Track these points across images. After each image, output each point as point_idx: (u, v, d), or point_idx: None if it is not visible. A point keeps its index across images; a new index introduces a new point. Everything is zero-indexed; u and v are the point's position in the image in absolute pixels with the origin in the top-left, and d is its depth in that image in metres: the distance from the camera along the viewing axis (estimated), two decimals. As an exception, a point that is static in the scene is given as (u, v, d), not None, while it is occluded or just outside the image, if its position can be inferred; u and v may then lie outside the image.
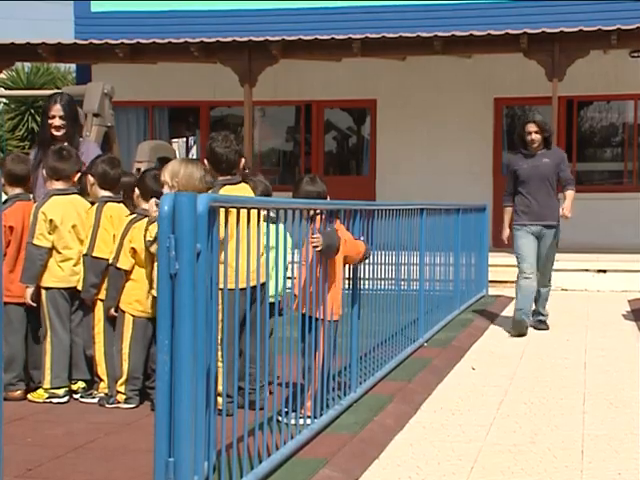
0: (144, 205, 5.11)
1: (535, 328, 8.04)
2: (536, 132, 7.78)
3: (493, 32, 11.98)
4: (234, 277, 3.40)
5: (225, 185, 4.81)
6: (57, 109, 6.09)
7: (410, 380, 5.62)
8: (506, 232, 8.10)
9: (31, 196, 5.67)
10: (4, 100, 22.96)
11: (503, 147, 14.62)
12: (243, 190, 4.87)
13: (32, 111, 23.14)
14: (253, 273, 3.85)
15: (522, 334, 7.70)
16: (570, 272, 11.19)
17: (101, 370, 5.22)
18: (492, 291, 10.46)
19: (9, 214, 5.28)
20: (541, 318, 8.16)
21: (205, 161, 4.91)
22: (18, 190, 5.43)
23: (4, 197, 5.33)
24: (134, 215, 5.17)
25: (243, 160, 5.05)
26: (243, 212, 3.37)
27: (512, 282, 8.55)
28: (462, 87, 14.32)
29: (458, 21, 13.48)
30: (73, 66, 18.64)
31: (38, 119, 23.21)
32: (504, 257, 10.65)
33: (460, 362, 6.58)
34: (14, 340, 5.24)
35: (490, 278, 10.60)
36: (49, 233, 5.24)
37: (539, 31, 11.85)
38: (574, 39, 11.90)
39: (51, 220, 5.23)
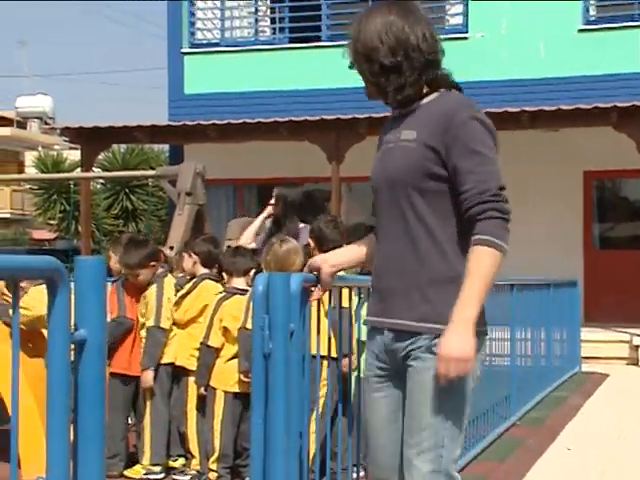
0: (234, 282, 5.20)
1: None
2: None
3: (582, 106, 11.94)
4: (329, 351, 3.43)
5: None
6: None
7: (503, 460, 5.51)
8: None
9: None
10: (101, 180, 23.76)
11: (594, 220, 14.41)
12: None
13: (127, 190, 23.89)
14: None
15: None
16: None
17: (193, 447, 5.27)
18: (585, 367, 10.21)
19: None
20: None
21: (310, 240, 4.94)
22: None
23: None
24: (224, 293, 5.27)
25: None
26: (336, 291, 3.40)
27: (606, 358, 8.34)
28: (550, 160, 14.24)
29: (545, 95, 13.48)
30: (166, 146, 19.24)
31: (133, 198, 23.96)
32: (597, 332, 10.42)
33: (555, 442, 6.42)
34: (116, 417, 5.31)
35: (583, 354, 10.36)
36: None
37: (629, 104, 11.75)
38: (665, 111, 11.76)
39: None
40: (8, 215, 39.49)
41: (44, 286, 1.78)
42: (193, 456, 5.28)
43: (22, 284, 5.99)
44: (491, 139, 2.59)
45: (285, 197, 6.50)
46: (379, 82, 2.61)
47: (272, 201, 6.52)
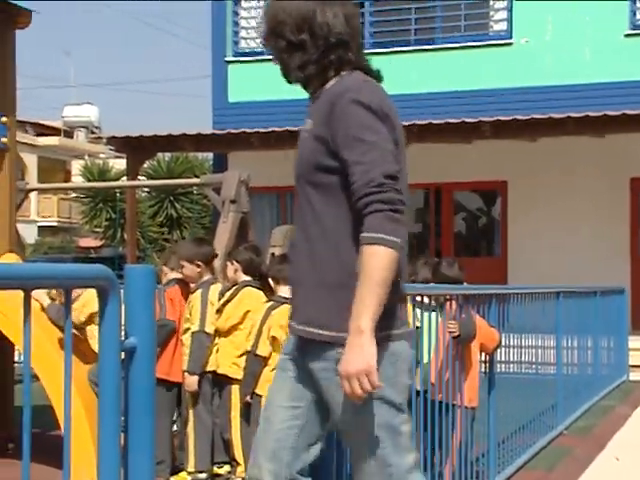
0: (281, 291, 5.21)
1: None
2: None
3: (628, 112, 11.80)
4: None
5: None
6: None
7: (550, 470, 5.45)
8: None
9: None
10: (146, 188, 23.99)
11: (640, 227, 14.24)
12: None
13: (171, 198, 24.10)
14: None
15: None
16: None
17: (238, 454, 5.29)
18: (633, 376, 10.07)
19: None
20: None
21: None
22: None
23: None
24: (272, 302, 5.28)
25: None
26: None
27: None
28: (596, 167, 14.09)
29: (591, 101, 13.35)
30: (210, 154, 19.38)
31: (177, 206, 24.18)
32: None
33: (602, 452, 6.34)
34: (161, 424, 5.33)
35: (630, 362, 10.22)
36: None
37: (676, 109, 11.60)
38: None
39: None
40: (55, 223, 40.05)
41: None
42: (238, 463, 5.29)
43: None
44: (378, 121, 2.34)
45: None
46: (283, 58, 2.49)
47: None
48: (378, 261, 2.24)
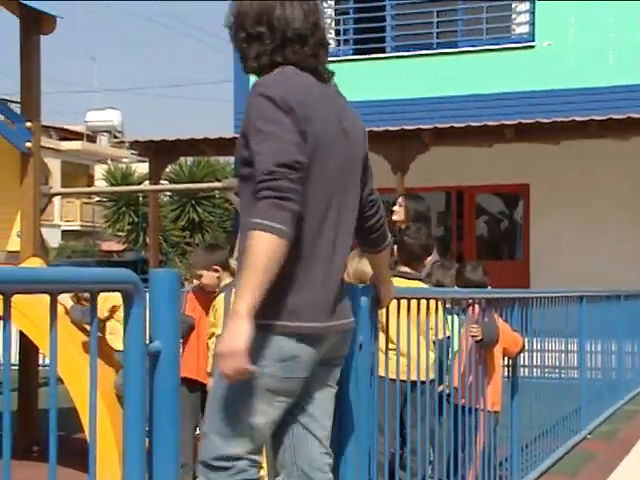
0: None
1: None
2: None
3: (651, 114, 11.73)
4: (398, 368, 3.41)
5: (395, 277, 4.70)
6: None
7: (574, 475, 5.42)
8: None
9: None
10: (168, 192, 24.09)
11: (665, 230, 14.12)
12: (418, 287, 4.58)
13: (194, 202, 24.18)
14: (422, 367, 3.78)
15: None
16: None
17: (261, 457, 5.28)
18: (658, 381, 9.98)
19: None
20: None
21: (395, 248, 4.83)
22: None
23: None
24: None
25: (429, 258, 4.91)
26: (403, 303, 3.39)
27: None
28: (618, 169, 14.01)
29: (614, 104, 13.27)
30: (232, 158, 19.43)
31: (199, 210, 24.25)
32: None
33: (627, 456, 6.29)
34: (185, 427, 5.30)
35: (656, 367, 10.14)
36: None
37: (700, 111, 11.51)
38: None
39: None
40: (78, 227, 40.30)
41: None
42: (261, 467, 5.29)
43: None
44: (279, 112, 2.37)
45: (414, 207, 6.32)
46: (243, 48, 2.56)
47: (396, 208, 6.28)
48: (258, 246, 2.25)
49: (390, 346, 3.38)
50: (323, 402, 2.63)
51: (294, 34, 2.52)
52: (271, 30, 2.52)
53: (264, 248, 2.24)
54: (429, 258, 4.97)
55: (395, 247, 4.74)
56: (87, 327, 5.30)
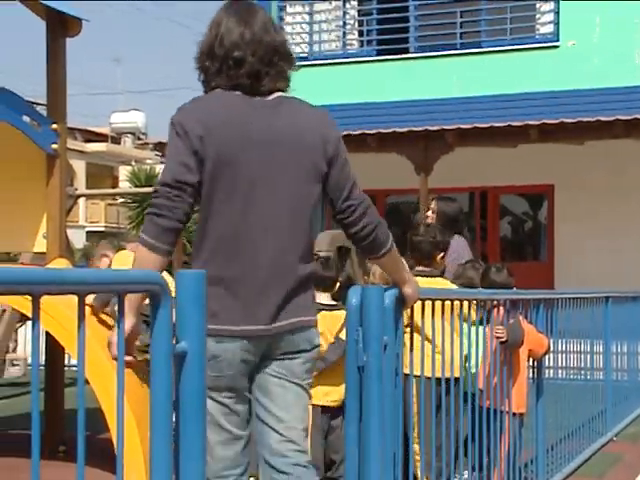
0: (322, 298, 5.17)
1: None
2: None
3: (678, 113, 11.63)
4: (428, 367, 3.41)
5: (417, 276, 4.65)
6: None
7: (601, 477, 5.39)
8: None
9: None
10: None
11: (691, 230, 13.99)
12: (437, 284, 4.61)
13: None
14: (447, 365, 3.78)
15: None
16: None
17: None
18: (685, 383, 9.89)
19: None
20: None
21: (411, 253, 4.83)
22: None
23: None
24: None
25: (442, 254, 4.90)
26: (428, 304, 3.39)
27: None
28: (645, 170, 13.90)
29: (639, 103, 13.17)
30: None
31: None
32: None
33: (653, 459, 6.25)
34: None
35: (682, 369, 10.05)
36: None
37: None
38: None
39: None
40: (103, 228, 40.52)
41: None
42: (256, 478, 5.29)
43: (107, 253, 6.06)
44: (174, 136, 2.62)
45: (443, 209, 6.29)
46: (203, 66, 2.76)
47: (429, 213, 6.29)
48: (136, 257, 2.55)
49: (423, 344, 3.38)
50: (280, 395, 2.76)
51: (230, 58, 2.70)
52: (219, 48, 2.72)
53: (139, 259, 2.52)
54: (447, 257, 4.95)
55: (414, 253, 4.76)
56: (111, 318, 5.33)
